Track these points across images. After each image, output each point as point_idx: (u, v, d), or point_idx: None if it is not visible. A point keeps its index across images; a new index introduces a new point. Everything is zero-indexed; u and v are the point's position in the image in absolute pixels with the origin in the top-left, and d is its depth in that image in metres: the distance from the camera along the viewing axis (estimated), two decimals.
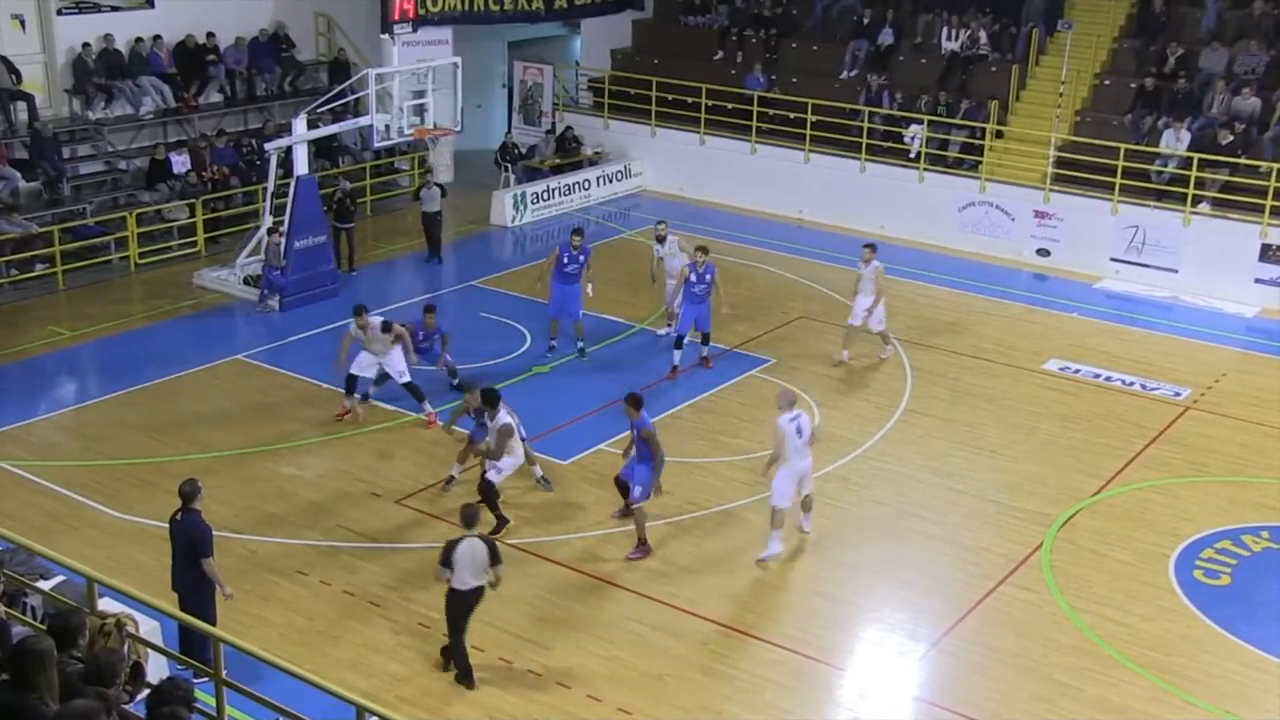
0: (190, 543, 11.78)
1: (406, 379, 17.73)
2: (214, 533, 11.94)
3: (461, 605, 12.11)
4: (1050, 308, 23.50)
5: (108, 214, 23.99)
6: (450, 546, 11.93)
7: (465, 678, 12.26)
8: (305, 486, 16.05)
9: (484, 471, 14.88)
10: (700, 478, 16.47)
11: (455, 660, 12.33)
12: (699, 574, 14.31)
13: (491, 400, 14.94)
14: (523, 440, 15.18)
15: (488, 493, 14.73)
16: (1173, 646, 13.34)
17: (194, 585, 11.88)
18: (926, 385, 19.74)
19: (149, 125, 26.05)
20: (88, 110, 25.28)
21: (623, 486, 14.88)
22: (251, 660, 9.57)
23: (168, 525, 12.05)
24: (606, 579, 14.15)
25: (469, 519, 12.18)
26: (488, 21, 29.18)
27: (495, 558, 11.99)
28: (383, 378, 17.94)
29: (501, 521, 14.85)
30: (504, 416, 14.86)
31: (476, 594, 12.10)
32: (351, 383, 17.77)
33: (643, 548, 14.64)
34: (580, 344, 20.18)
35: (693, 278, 19.33)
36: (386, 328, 17.57)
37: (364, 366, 17.72)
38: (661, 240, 20.98)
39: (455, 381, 18.41)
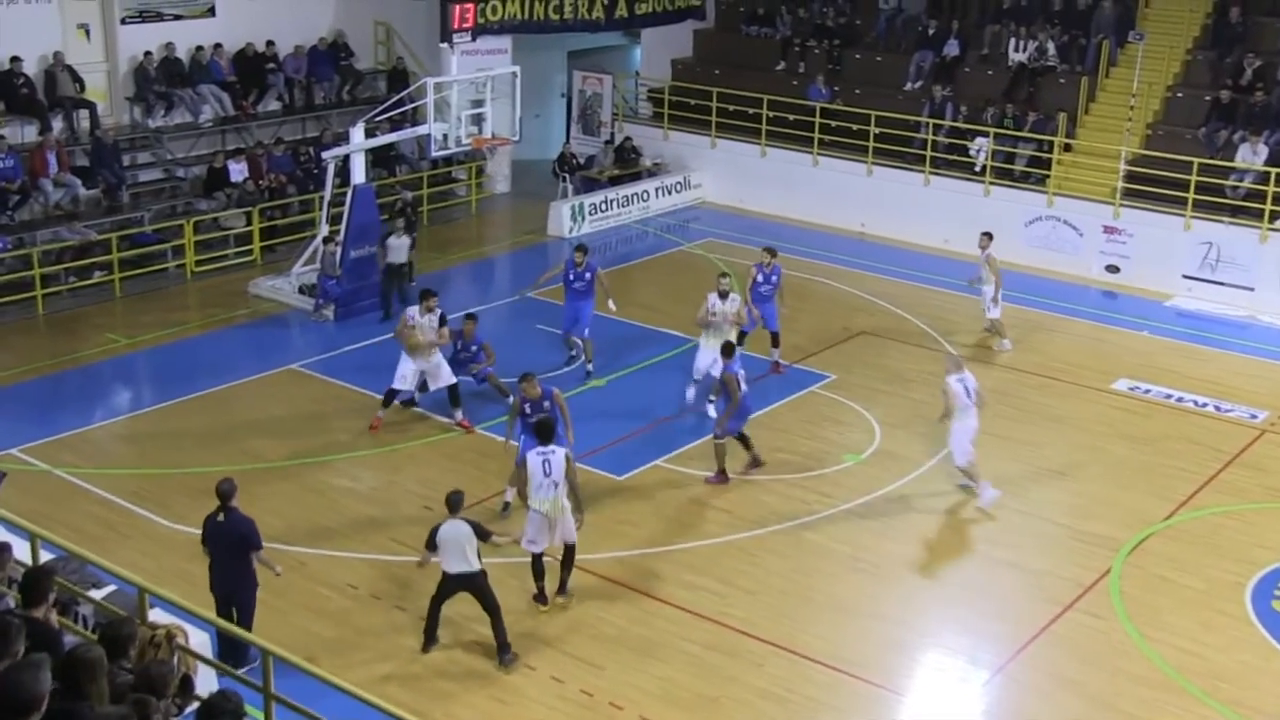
0: (239, 540, 11.89)
1: (453, 380, 17.81)
2: (267, 545, 11.99)
3: (444, 590, 12.65)
4: (1120, 326, 23.21)
5: (165, 222, 24.27)
6: (434, 531, 12.53)
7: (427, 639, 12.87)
8: (357, 499, 16.09)
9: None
10: (758, 495, 16.35)
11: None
12: (755, 594, 14.19)
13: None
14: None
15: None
16: (1248, 679, 13.06)
17: (240, 582, 12.06)
18: (991, 404, 19.40)
19: (208, 133, 26.36)
20: (148, 118, 25.62)
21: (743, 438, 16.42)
22: (299, 673, 9.56)
23: (203, 527, 12.12)
24: (662, 598, 14.06)
25: (453, 503, 12.60)
26: (547, 31, 29.27)
27: (481, 536, 12.49)
28: (423, 386, 18.03)
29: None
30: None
31: (463, 579, 12.53)
32: (391, 396, 17.87)
33: (720, 476, 16.14)
34: (588, 366, 19.83)
35: (759, 278, 19.68)
36: (443, 320, 17.72)
37: (404, 377, 17.84)
38: (724, 296, 18.56)
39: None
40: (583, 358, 19.91)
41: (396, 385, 17.82)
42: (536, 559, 13.59)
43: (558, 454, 13.23)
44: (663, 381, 19.86)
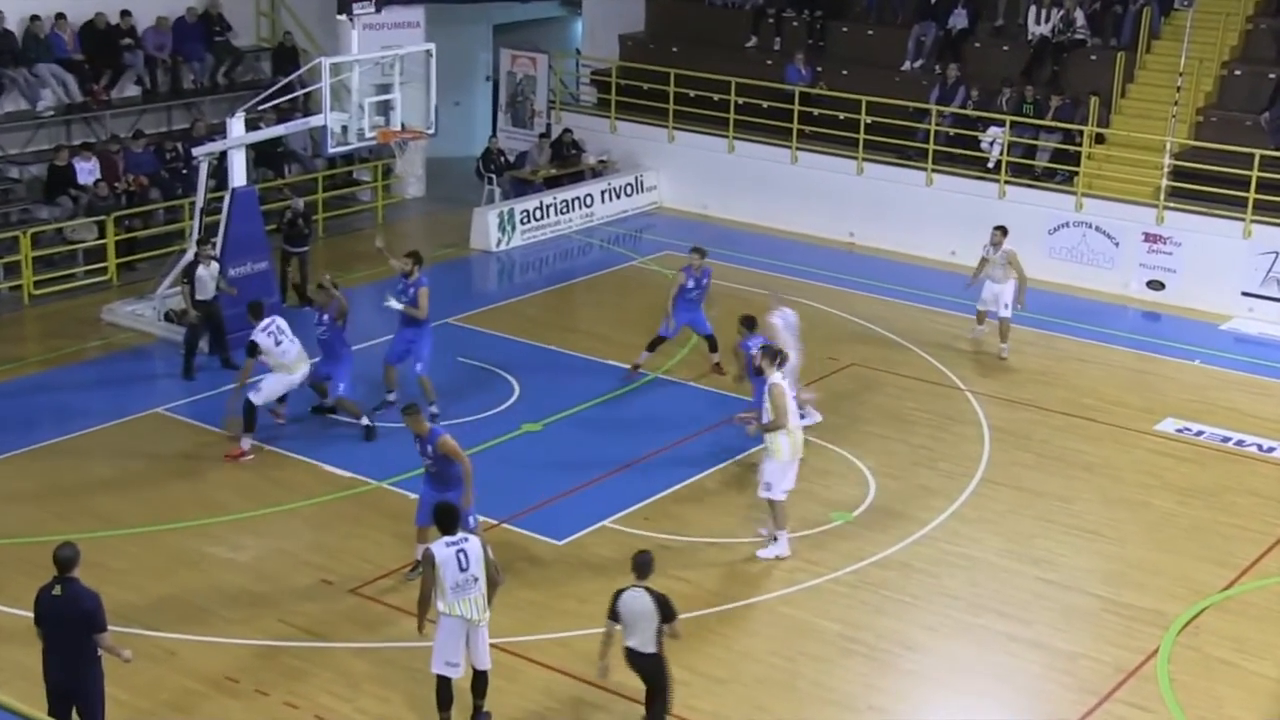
0: (79, 618, 11.69)
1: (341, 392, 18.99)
2: (124, 630, 11.87)
3: (644, 669, 12.75)
4: (1165, 354, 23.47)
5: None
6: (616, 596, 12.62)
7: None
8: (238, 571, 16.01)
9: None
10: (727, 561, 16.41)
11: None
12: (725, 682, 14.21)
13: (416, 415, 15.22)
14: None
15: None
16: None
17: (84, 673, 11.83)
18: (1009, 449, 19.67)
19: (48, 124, 26.28)
20: None
21: None
22: None
23: (35, 604, 11.92)
24: (611, 688, 14.06)
25: (640, 566, 12.70)
26: (469, 0, 29.37)
27: (668, 614, 12.51)
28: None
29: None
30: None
31: (642, 657, 12.69)
32: (252, 415, 18.64)
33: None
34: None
35: (689, 283, 21.15)
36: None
37: (271, 391, 18.83)
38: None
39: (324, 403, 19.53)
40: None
41: (257, 400, 18.66)
42: (445, 685, 13.01)
43: (473, 542, 12.87)
44: (609, 425, 19.92)
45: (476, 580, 12.77)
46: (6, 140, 25.73)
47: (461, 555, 12.70)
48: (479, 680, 13.22)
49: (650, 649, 12.59)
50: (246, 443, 18.58)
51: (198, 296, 21.30)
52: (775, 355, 16.55)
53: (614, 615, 12.58)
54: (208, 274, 21.34)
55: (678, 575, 15.68)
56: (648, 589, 12.53)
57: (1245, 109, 26.60)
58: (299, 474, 18.27)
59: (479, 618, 12.84)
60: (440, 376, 20.49)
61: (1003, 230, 22.53)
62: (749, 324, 19.02)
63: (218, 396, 20.45)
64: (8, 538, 16.46)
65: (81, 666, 11.84)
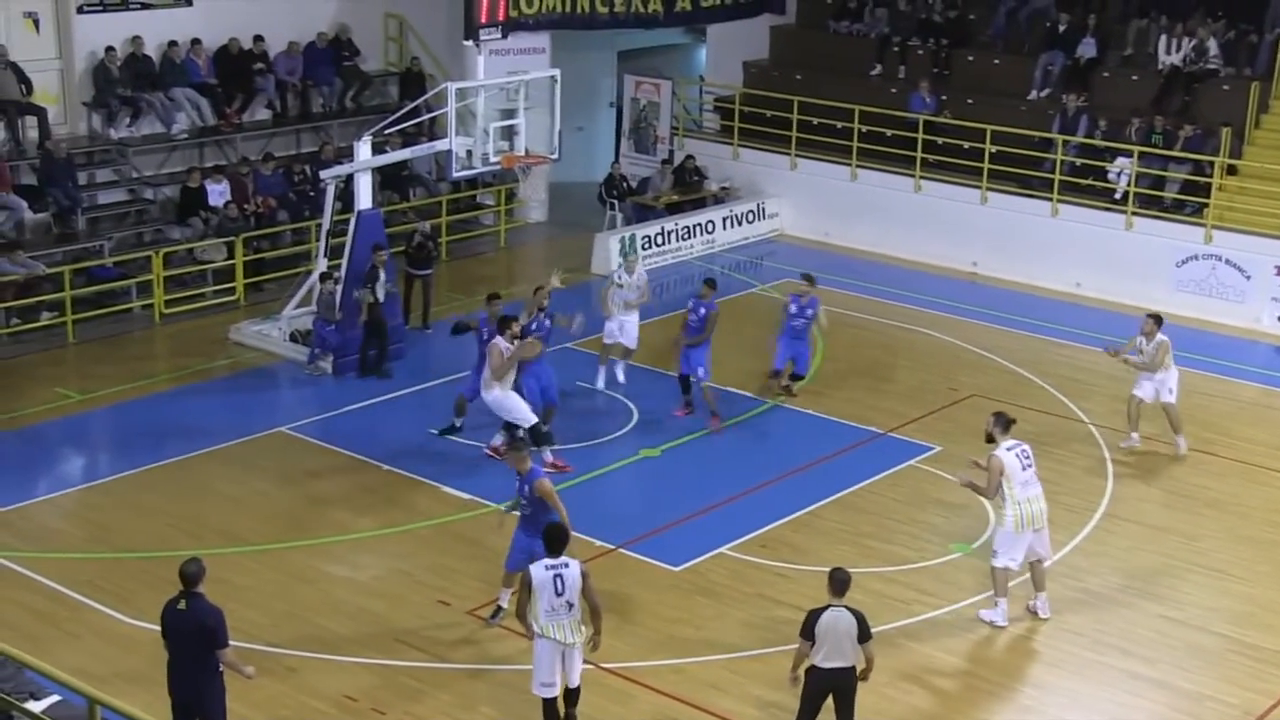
0: (203, 633, 11.86)
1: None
2: (246, 646, 12.02)
3: (814, 687, 12.72)
4: None
5: (129, 253, 24.65)
6: (813, 616, 12.56)
7: None
8: (358, 590, 16.18)
9: None
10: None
11: None
12: None
13: (540, 439, 15.03)
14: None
15: None
16: None
17: (206, 687, 12.01)
18: (1133, 484, 19.40)
19: (182, 147, 26.75)
20: (109, 128, 26.05)
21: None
22: None
23: (162, 617, 12.11)
24: (726, 717, 14.03)
25: (839, 584, 12.69)
26: (594, 26, 29.58)
27: (864, 634, 12.54)
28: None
29: None
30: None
31: (838, 675, 12.61)
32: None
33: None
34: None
35: (792, 309, 20.92)
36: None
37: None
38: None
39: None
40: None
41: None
42: (550, 706, 13.11)
43: (572, 568, 12.86)
44: (727, 452, 19.92)
45: (571, 606, 12.80)
46: (142, 162, 26.22)
47: (559, 580, 12.73)
48: (570, 695, 13.31)
49: (849, 663, 12.65)
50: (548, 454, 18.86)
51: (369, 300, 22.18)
52: (1008, 424, 15.79)
53: (809, 634, 12.57)
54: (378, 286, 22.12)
55: (794, 605, 15.61)
56: (848, 607, 12.57)
57: None
58: (419, 495, 18.42)
59: (572, 641, 12.88)
60: (561, 401, 20.57)
61: (1157, 320, 20.17)
62: (711, 285, 20.96)
63: (340, 416, 20.71)
64: (136, 551, 16.77)
65: (203, 680, 12.01)
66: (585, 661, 13.54)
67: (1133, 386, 20.25)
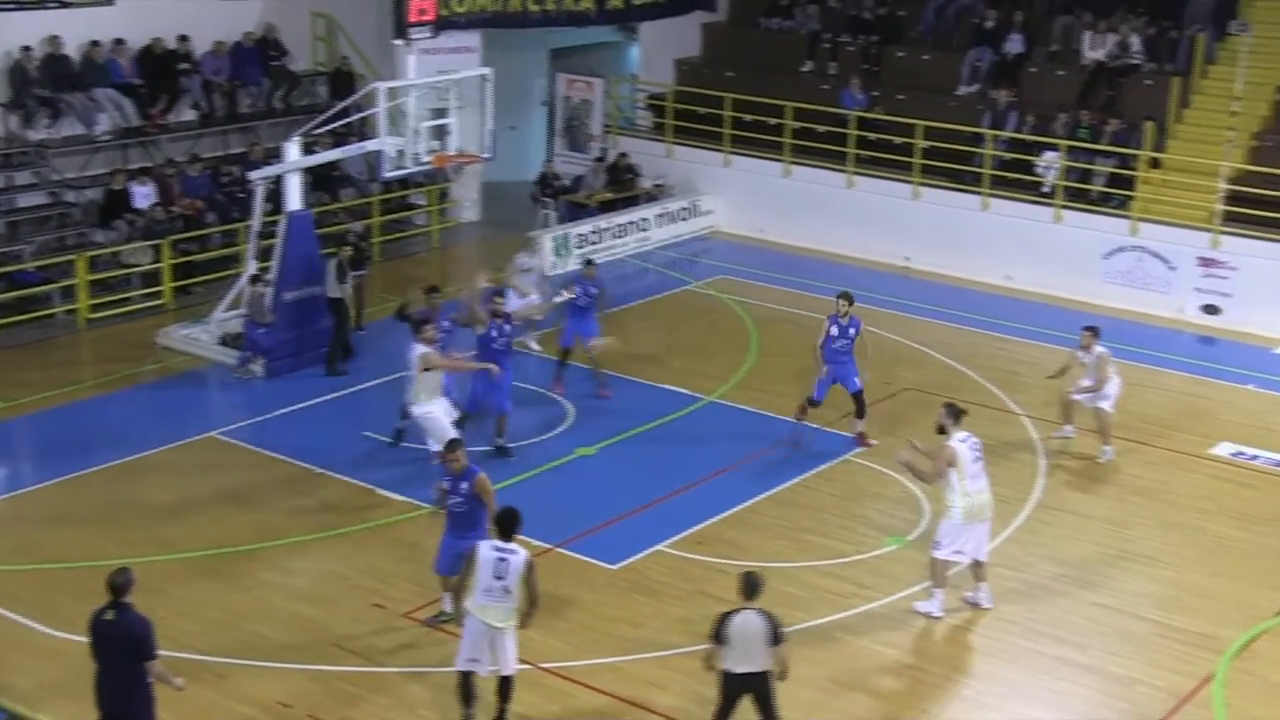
0: (131, 643, 11.74)
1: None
2: (177, 655, 11.91)
3: (727, 690, 12.63)
4: (1220, 378, 23.39)
5: (52, 257, 24.37)
6: (724, 618, 12.44)
7: None
8: (292, 595, 16.07)
9: None
10: (780, 586, 16.31)
11: None
12: (781, 708, 14.15)
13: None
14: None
15: None
16: None
17: (135, 698, 11.88)
18: (1064, 474, 19.58)
19: (105, 148, 26.46)
20: (27, 129, 25.69)
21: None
22: None
23: (90, 628, 11.98)
24: (664, 713, 14.05)
25: (750, 587, 12.58)
26: (525, 24, 29.51)
27: (776, 637, 12.42)
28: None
29: None
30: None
31: (751, 679, 12.53)
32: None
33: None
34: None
35: (833, 331, 19.74)
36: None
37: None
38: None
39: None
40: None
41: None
42: (466, 679, 13.26)
43: (518, 555, 12.92)
44: (664, 449, 19.93)
45: (508, 593, 12.89)
46: (63, 164, 25.90)
47: (502, 563, 12.85)
48: (503, 685, 13.33)
49: (762, 668, 12.55)
50: None
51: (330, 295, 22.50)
52: (959, 415, 15.77)
53: (719, 637, 12.47)
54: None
55: (733, 601, 15.61)
56: (759, 610, 12.48)
57: None
58: (353, 498, 18.33)
59: (501, 626, 12.97)
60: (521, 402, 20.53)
61: (1093, 332, 20.06)
62: (591, 264, 21.91)
63: (272, 420, 20.59)
64: (63, 562, 16.58)
65: (132, 692, 11.90)
66: (526, 661, 13.56)
67: (1070, 390, 20.31)
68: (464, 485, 14.52)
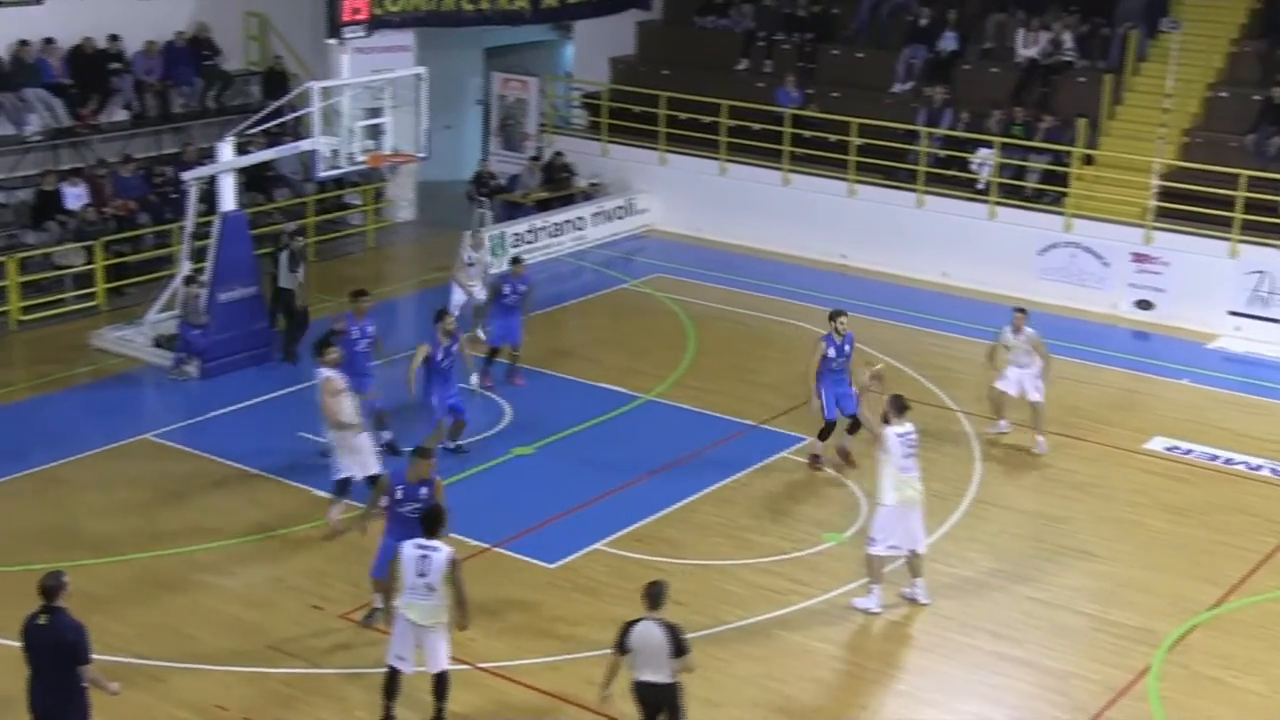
0: (63, 648, 11.64)
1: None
2: (112, 659, 11.82)
3: (638, 698, 12.47)
4: (1154, 373, 23.56)
5: None
6: (627, 628, 12.33)
7: None
8: (228, 598, 15.98)
9: None
10: (718, 584, 16.41)
11: None
12: (719, 705, 14.18)
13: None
14: None
15: None
16: None
17: (69, 703, 11.77)
18: (1000, 470, 19.69)
19: (36, 149, 26.19)
20: None
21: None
22: None
23: (22, 632, 11.85)
24: (604, 712, 14.03)
25: (652, 596, 12.40)
26: (460, 24, 29.44)
27: (679, 648, 12.23)
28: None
29: None
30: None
31: (656, 689, 12.37)
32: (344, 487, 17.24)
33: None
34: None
35: (830, 352, 19.14)
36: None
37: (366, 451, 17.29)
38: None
39: (387, 437, 18.86)
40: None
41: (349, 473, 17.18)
42: (392, 675, 13.27)
43: (440, 553, 12.92)
44: (601, 448, 19.94)
45: (432, 590, 12.91)
46: None
47: (424, 560, 12.90)
48: (438, 683, 13.33)
49: (666, 679, 12.41)
50: None
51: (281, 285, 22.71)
52: (902, 408, 15.79)
53: (622, 647, 12.36)
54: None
55: (672, 600, 15.65)
56: (660, 621, 12.35)
57: (1231, 130, 26.74)
58: (289, 499, 18.24)
59: (426, 624, 12.99)
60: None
61: (1023, 312, 20.31)
62: (518, 262, 22.32)
63: (207, 421, 20.46)
64: None
65: (66, 696, 11.79)
66: (464, 662, 13.53)
67: (996, 379, 20.43)
68: (424, 491, 14.39)
